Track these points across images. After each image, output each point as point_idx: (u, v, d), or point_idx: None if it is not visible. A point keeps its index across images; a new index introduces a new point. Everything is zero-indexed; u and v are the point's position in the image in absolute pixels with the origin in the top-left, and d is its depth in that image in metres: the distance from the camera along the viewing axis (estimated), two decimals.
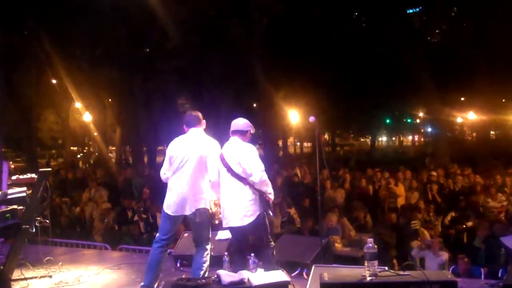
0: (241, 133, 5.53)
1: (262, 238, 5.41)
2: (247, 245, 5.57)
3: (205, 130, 5.69)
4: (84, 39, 21.08)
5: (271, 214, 5.56)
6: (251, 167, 5.30)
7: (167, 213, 5.49)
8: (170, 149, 5.56)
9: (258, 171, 5.28)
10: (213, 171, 5.47)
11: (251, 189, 5.32)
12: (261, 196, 5.34)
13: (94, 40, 21.67)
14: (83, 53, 22.86)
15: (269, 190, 5.39)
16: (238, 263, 5.51)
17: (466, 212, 11.11)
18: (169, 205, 5.47)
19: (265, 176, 5.34)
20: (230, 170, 5.38)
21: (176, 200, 5.42)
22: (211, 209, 5.51)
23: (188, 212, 5.40)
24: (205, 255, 5.47)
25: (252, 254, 5.40)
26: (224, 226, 5.54)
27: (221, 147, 5.57)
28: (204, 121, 5.68)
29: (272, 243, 5.52)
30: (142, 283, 5.48)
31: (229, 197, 5.40)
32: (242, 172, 5.34)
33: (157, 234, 5.63)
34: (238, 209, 5.34)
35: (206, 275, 5.34)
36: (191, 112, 5.73)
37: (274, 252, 5.48)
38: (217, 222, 5.64)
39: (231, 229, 5.52)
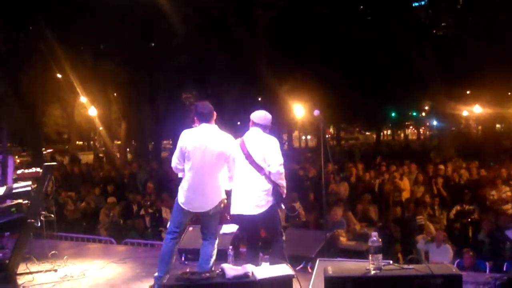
0: (265, 126, 5.52)
1: (275, 229, 5.42)
2: (258, 237, 5.58)
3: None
4: (89, 34, 21.09)
5: (283, 207, 5.53)
6: (271, 158, 5.30)
7: (182, 207, 5.41)
8: (184, 142, 5.38)
9: (277, 162, 5.29)
10: (233, 167, 5.46)
11: (266, 180, 5.31)
12: (275, 188, 5.32)
13: (99, 35, 21.69)
14: (88, 48, 22.87)
15: (283, 183, 5.38)
16: (250, 256, 5.48)
17: (471, 205, 11.09)
18: (187, 201, 5.38)
19: (282, 169, 5.34)
20: (249, 157, 5.34)
21: (196, 197, 5.36)
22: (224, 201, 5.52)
23: (206, 209, 5.38)
24: (212, 249, 5.47)
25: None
26: (232, 212, 5.48)
27: None
28: (215, 113, 5.51)
29: (284, 236, 5.52)
30: (156, 274, 5.43)
31: (243, 184, 5.37)
32: (262, 161, 5.32)
33: (169, 225, 5.59)
34: (251, 198, 5.31)
35: (213, 269, 5.34)
36: (203, 104, 5.52)
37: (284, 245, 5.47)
38: (222, 205, 5.59)
39: (241, 217, 5.44)
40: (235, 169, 5.47)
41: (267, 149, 5.35)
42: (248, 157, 5.34)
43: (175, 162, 5.49)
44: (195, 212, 5.45)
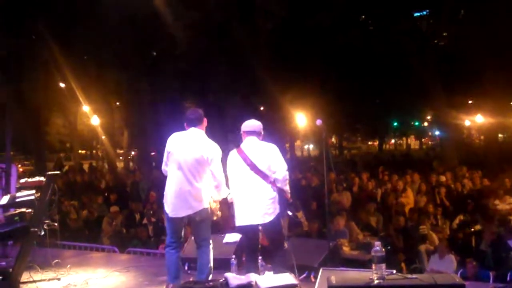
0: (258, 134, 5.56)
1: (279, 238, 5.45)
2: (258, 246, 5.59)
3: (206, 128, 5.60)
4: (92, 43, 21.16)
5: (290, 213, 5.59)
6: (277, 164, 5.35)
7: (167, 214, 5.43)
8: (168, 144, 5.49)
9: (283, 168, 5.35)
10: (218, 174, 5.42)
11: (272, 187, 5.32)
12: (281, 195, 5.34)
13: (102, 44, 21.77)
14: (90, 56, 22.94)
15: (288, 189, 5.43)
16: (251, 265, 5.49)
17: (474, 215, 11.06)
18: (167, 204, 5.41)
19: (287, 176, 5.40)
20: (254, 167, 5.33)
21: (173, 200, 5.35)
22: (210, 206, 5.47)
23: (185, 214, 5.34)
24: (207, 256, 5.43)
25: (260, 257, 5.41)
26: (238, 224, 5.46)
27: (227, 149, 5.56)
28: (206, 119, 5.60)
29: (286, 244, 5.54)
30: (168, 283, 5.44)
31: (249, 195, 5.35)
32: (267, 169, 5.33)
33: (167, 238, 5.59)
34: (260, 207, 5.31)
35: (210, 277, 5.33)
36: (193, 109, 5.65)
37: (288, 252, 5.49)
38: (215, 218, 5.60)
39: (248, 227, 5.43)
40: (237, 181, 5.45)
41: (270, 156, 5.38)
42: (253, 166, 5.33)
43: (164, 165, 5.58)
44: (177, 217, 5.38)
